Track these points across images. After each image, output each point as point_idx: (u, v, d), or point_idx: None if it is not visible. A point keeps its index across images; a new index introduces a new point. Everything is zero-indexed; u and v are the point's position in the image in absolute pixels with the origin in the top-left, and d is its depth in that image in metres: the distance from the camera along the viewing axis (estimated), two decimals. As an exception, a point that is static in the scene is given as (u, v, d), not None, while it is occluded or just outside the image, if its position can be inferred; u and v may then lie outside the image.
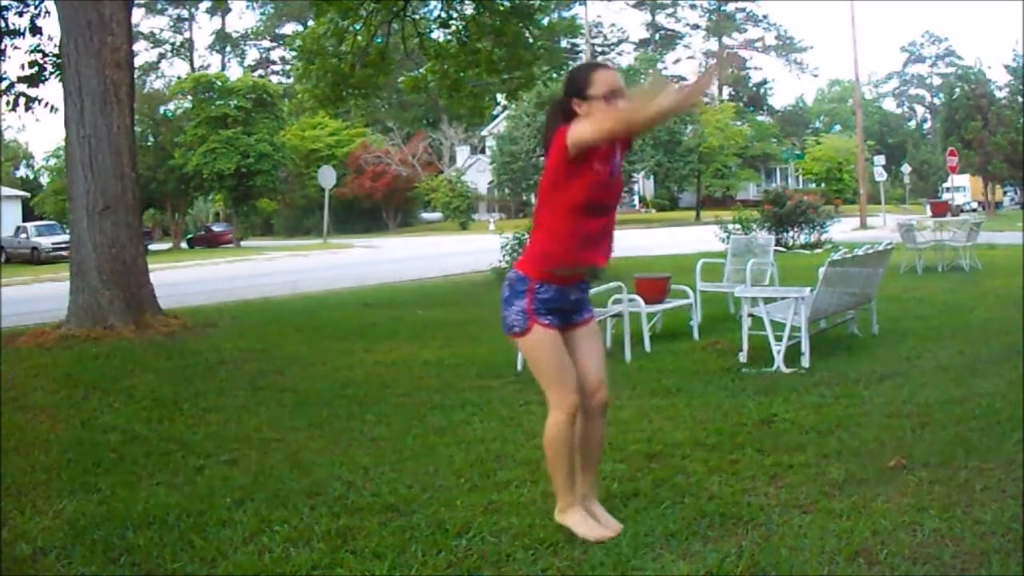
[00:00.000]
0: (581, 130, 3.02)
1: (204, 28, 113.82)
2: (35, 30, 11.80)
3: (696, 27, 75.46)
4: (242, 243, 42.19)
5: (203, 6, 68.77)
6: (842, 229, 22.33)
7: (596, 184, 3.10)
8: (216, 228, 47.50)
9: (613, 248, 3.29)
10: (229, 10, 70.17)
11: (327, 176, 38.52)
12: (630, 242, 20.72)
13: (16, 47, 11.82)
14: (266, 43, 72.81)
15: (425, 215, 56.70)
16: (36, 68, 11.77)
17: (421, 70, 16.87)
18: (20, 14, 11.78)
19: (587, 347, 3.31)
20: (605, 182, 3.14)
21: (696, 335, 8.10)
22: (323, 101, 15.48)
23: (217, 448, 4.91)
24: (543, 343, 3.17)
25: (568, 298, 3.24)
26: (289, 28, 65.20)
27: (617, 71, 3.23)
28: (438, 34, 15.73)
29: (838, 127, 66.68)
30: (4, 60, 12.00)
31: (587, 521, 3.31)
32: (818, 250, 17.82)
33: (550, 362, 3.19)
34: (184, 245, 44.10)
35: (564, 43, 51.12)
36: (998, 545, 3.09)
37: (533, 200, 52.40)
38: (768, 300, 7.21)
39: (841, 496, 3.67)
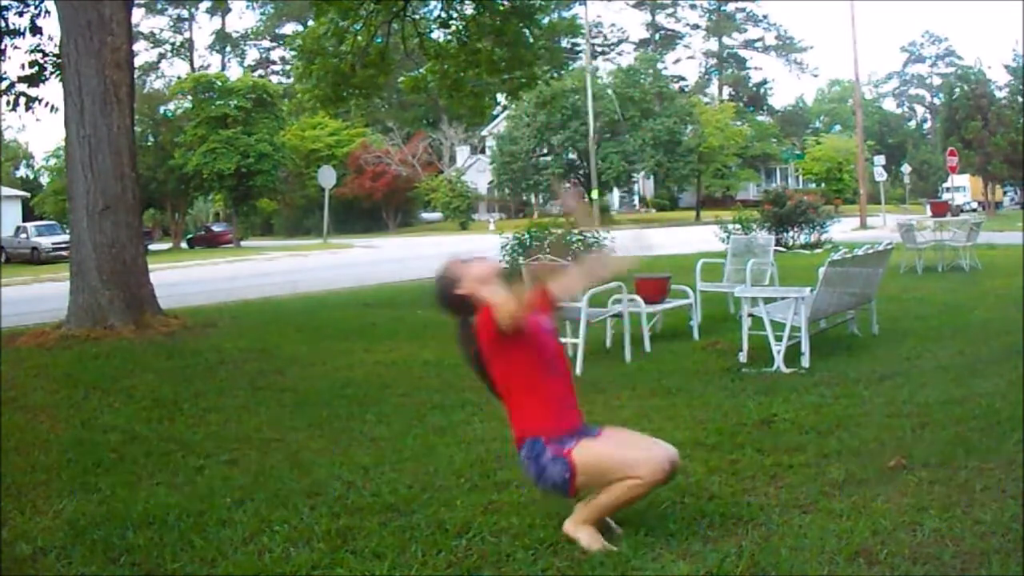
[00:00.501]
0: (505, 312, 3.16)
1: (204, 28, 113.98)
2: (35, 30, 11.79)
3: (696, 27, 75.52)
4: (242, 243, 42.19)
5: (203, 6, 68.83)
6: (842, 229, 22.33)
7: (539, 348, 3.31)
8: (216, 228, 47.50)
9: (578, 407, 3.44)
10: (229, 10, 70.24)
11: (327, 176, 38.53)
12: (630, 242, 20.73)
13: (16, 47, 11.82)
14: (266, 43, 72.85)
15: (425, 215, 56.70)
16: (36, 68, 11.77)
17: (421, 70, 16.85)
18: (20, 14, 11.78)
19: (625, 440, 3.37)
20: (546, 336, 3.35)
21: (696, 335, 8.10)
22: (324, 101, 15.47)
23: (217, 448, 4.91)
24: (591, 451, 3.21)
25: (578, 428, 3.34)
26: (289, 28, 65.20)
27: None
28: (438, 34, 15.72)
29: (838, 127, 66.70)
30: (4, 60, 12.00)
31: (598, 537, 3.30)
32: (818, 250, 17.82)
33: (615, 449, 3.24)
34: (184, 245, 44.09)
35: (565, 43, 51.07)
36: (998, 545, 3.09)
37: (533, 200, 52.57)
38: (768, 300, 7.22)
39: (841, 496, 3.67)
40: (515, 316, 3.15)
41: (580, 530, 3.29)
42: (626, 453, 3.23)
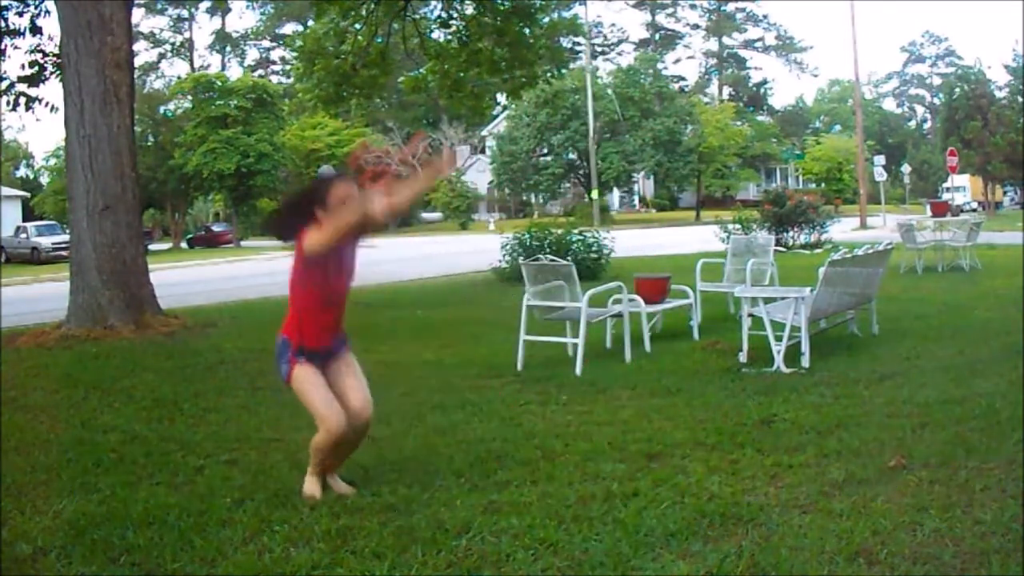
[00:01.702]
0: (316, 240, 3.65)
1: (204, 28, 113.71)
2: (35, 30, 11.81)
3: (696, 27, 75.46)
4: (242, 243, 42.16)
5: (203, 6, 68.69)
6: (842, 229, 22.33)
7: (329, 283, 3.80)
8: (216, 228, 47.45)
9: (342, 325, 3.96)
10: (229, 10, 70.09)
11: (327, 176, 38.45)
12: (630, 242, 20.76)
13: (16, 47, 11.84)
14: (266, 43, 72.77)
15: (425, 215, 56.65)
16: (36, 68, 11.78)
17: (421, 70, 16.86)
18: (20, 14, 11.79)
19: (348, 377, 3.90)
20: (339, 273, 3.81)
21: (696, 335, 8.10)
22: (325, 101, 15.48)
23: (217, 448, 4.91)
24: (304, 381, 3.78)
25: (326, 348, 3.87)
26: (289, 28, 65.15)
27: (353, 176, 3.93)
28: (439, 34, 15.73)
29: (838, 127, 66.65)
30: (4, 60, 12.02)
31: (315, 488, 3.91)
32: (818, 250, 17.82)
33: (315, 395, 3.79)
34: (184, 245, 44.08)
35: (565, 43, 51.06)
36: (998, 545, 3.09)
37: (533, 200, 52.56)
38: (768, 300, 7.21)
39: (841, 496, 3.67)
40: (316, 250, 3.65)
41: (307, 479, 3.92)
42: (313, 401, 3.78)
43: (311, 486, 3.93)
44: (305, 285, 3.82)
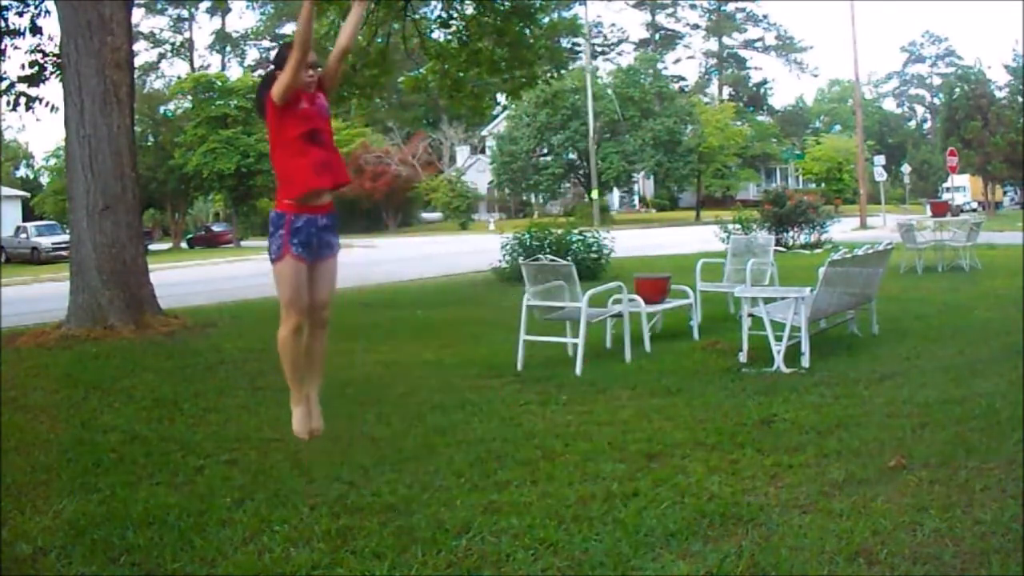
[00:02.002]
0: (279, 82, 3.76)
1: (204, 28, 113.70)
2: (35, 30, 11.80)
3: (696, 27, 75.45)
4: (242, 243, 42.16)
5: (203, 6, 68.70)
6: (842, 229, 22.33)
7: (306, 116, 3.82)
8: (216, 228, 47.47)
9: (346, 172, 4.00)
10: (229, 10, 70.10)
11: (327, 176, 38.47)
12: (630, 242, 20.77)
13: (16, 47, 11.84)
14: (266, 43, 72.69)
15: (425, 215, 56.67)
16: (36, 68, 11.78)
17: (422, 70, 16.85)
18: (20, 14, 11.79)
19: (323, 279, 3.98)
20: (314, 114, 3.85)
21: (696, 335, 8.10)
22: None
23: (217, 448, 4.91)
24: (288, 271, 3.83)
25: (317, 224, 3.86)
26: (289, 28, 65.05)
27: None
28: (439, 34, 15.71)
29: (838, 127, 66.66)
30: (4, 60, 12.03)
31: (304, 419, 3.92)
32: (818, 250, 17.82)
33: (290, 287, 3.86)
34: (184, 245, 44.09)
35: (565, 43, 51.07)
36: (998, 545, 3.09)
37: (533, 200, 52.56)
38: (768, 300, 7.21)
39: (841, 496, 3.67)
40: (279, 93, 3.74)
41: (294, 409, 3.95)
42: (287, 290, 3.85)
43: (298, 422, 3.95)
44: (282, 135, 3.86)
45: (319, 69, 3.90)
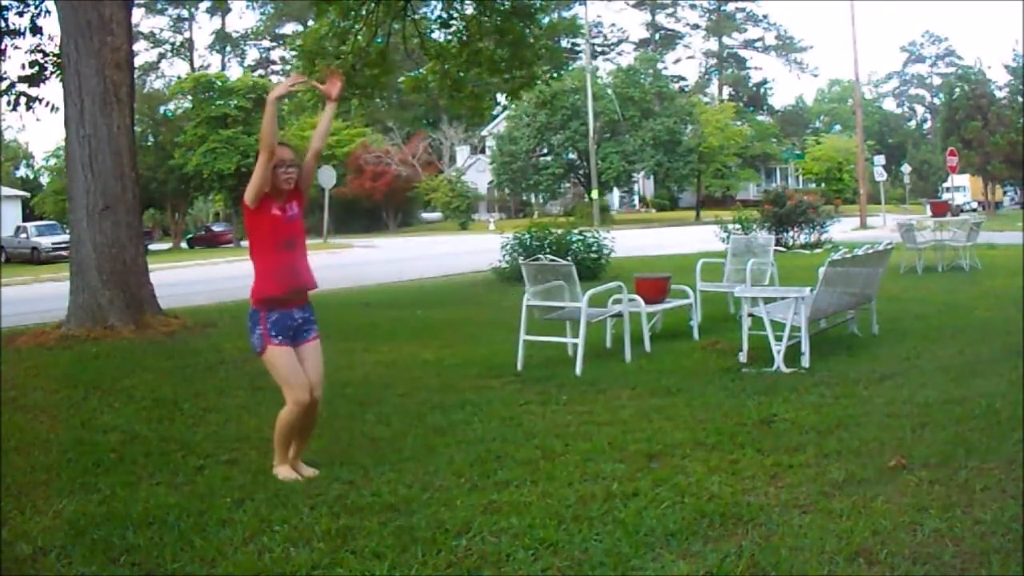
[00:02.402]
0: (250, 186, 4.13)
1: (204, 28, 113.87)
2: (35, 30, 11.81)
3: (696, 27, 75.48)
4: (242, 243, 42.11)
5: (203, 6, 68.73)
6: (842, 229, 22.33)
7: (279, 224, 4.17)
8: (216, 228, 47.43)
9: (312, 273, 4.31)
10: (229, 10, 70.14)
11: (327, 176, 38.45)
12: (630, 242, 20.76)
13: (16, 47, 11.85)
14: (266, 43, 72.78)
15: (425, 215, 56.66)
16: (36, 68, 11.78)
17: (421, 70, 16.84)
18: (20, 14, 11.80)
19: (310, 360, 4.30)
20: (286, 223, 4.19)
21: (696, 335, 8.10)
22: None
23: (217, 448, 4.91)
24: (276, 357, 4.19)
25: (293, 317, 4.22)
26: (289, 28, 65.19)
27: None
28: (439, 34, 15.71)
29: (838, 127, 66.68)
30: (4, 60, 12.03)
31: (289, 472, 4.31)
32: (818, 250, 17.82)
33: (283, 368, 4.21)
34: (184, 245, 44.08)
35: (565, 43, 51.04)
36: (998, 545, 3.09)
37: (533, 200, 52.57)
38: (768, 300, 7.21)
39: (841, 496, 3.67)
40: (250, 196, 4.10)
41: (279, 470, 4.30)
42: (282, 371, 4.21)
43: (285, 471, 4.31)
44: (256, 233, 4.20)
45: (295, 168, 4.20)
